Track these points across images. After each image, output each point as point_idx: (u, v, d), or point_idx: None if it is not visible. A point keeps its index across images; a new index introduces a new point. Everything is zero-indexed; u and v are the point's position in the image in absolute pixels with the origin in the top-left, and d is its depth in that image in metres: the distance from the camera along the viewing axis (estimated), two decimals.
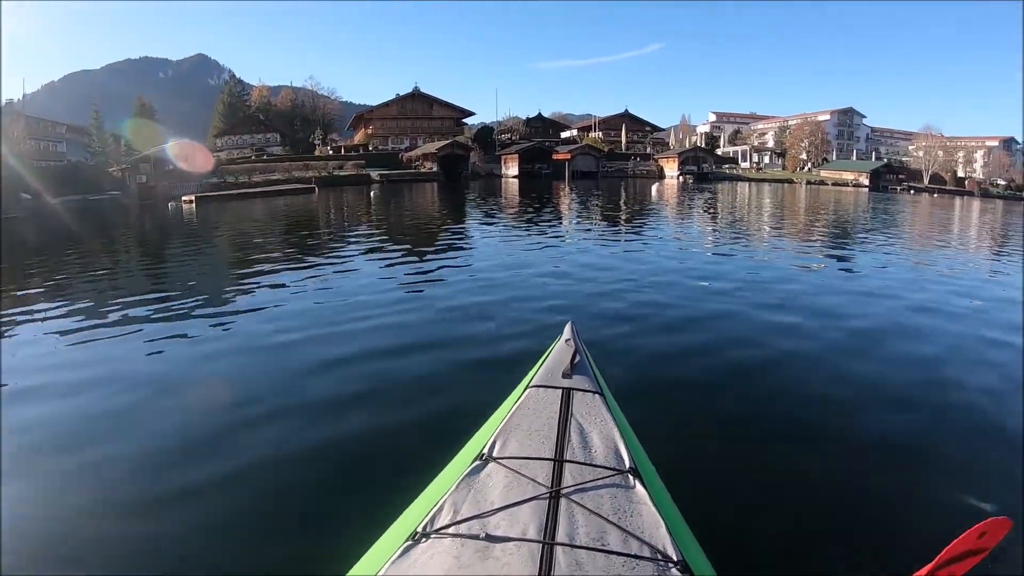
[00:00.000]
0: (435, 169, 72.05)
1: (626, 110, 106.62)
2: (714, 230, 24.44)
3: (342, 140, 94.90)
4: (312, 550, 3.89)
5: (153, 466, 4.94)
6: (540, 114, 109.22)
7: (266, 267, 13.90)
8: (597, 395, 2.98)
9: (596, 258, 15.81)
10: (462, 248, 17.22)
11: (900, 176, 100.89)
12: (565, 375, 3.11)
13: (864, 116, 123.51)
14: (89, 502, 4.45)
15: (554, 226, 23.73)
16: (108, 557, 3.86)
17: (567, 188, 57.34)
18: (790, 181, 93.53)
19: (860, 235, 24.27)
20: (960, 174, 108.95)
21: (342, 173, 64.87)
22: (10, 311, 10.22)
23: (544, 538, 2.03)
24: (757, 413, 6.20)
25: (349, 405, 6.09)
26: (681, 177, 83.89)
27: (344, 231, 22.34)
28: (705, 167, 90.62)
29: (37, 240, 23.27)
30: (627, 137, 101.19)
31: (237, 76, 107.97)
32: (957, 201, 73.53)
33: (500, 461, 2.48)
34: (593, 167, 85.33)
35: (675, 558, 2.00)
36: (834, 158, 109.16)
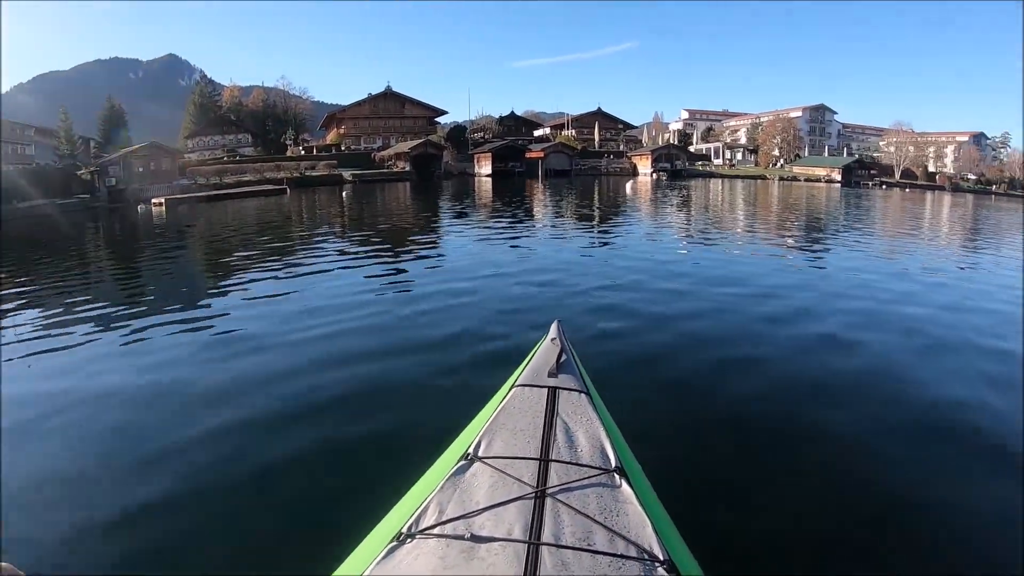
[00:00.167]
0: (408, 169, 71.80)
1: (599, 108, 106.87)
2: (690, 228, 24.71)
3: (314, 140, 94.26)
4: (297, 551, 3.90)
5: (140, 471, 4.94)
6: (513, 113, 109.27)
7: (237, 275, 13.90)
8: (583, 394, 2.97)
9: (572, 256, 16.07)
10: (437, 249, 17.29)
11: (872, 172, 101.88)
12: (551, 374, 3.10)
13: (835, 112, 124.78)
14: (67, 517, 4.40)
15: (528, 225, 23.79)
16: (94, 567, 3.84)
17: (541, 187, 57.39)
18: (763, 177, 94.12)
19: (835, 231, 24.73)
20: (931, 169, 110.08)
21: (314, 173, 64.43)
22: None
23: (530, 538, 2.02)
24: (742, 412, 6.25)
25: (331, 407, 6.09)
26: (655, 174, 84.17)
27: (317, 233, 22.21)
28: (678, 164, 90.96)
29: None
30: (600, 135, 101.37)
31: (208, 76, 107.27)
32: (928, 196, 74.67)
33: (485, 461, 2.47)
34: (566, 165, 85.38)
35: (661, 557, 2.00)
36: (806, 154, 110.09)
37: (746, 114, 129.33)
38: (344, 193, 45.85)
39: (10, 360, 7.93)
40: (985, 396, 6.79)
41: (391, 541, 2.10)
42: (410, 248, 17.33)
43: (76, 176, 51.96)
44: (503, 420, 2.75)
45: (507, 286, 11.72)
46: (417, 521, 2.16)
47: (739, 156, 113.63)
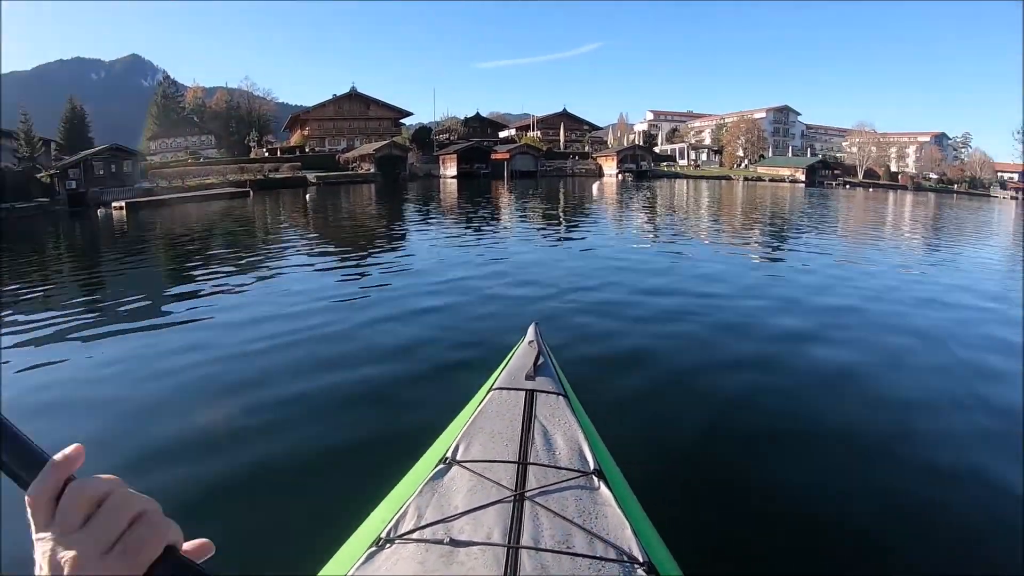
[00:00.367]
0: (373, 170, 71.54)
1: (564, 109, 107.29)
2: (659, 229, 24.78)
3: (278, 142, 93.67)
4: (275, 555, 3.88)
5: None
6: (478, 114, 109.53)
7: (197, 282, 13.49)
8: (561, 397, 2.96)
9: (541, 258, 16.10)
10: (404, 252, 16.95)
11: (835, 171, 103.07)
12: (528, 377, 3.09)
13: (799, 114, 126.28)
14: None
15: (495, 228, 23.66)
16: None
17: (506, 188, 57.27)
18: (728, 178, 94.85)
19: (801, 231, 25.09)
20: (893, 169, 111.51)
21: (278, 176, 64.03)
22: None
23: (509, 542, 2.01)
24: (719, 413, 6.31)
25: (305, 412, 6.03)
26: (620, 175, 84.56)
27: (280, 238, 21.77)
28: (644, 165, 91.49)
29: None
30: (566, 136, 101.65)
31: (171, 77, 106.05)
32: (891, 195, 75.69)
33: (464, 465, 2.46)
34: (532, 166, 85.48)
35: (641, 559, 2.00)
36: (770, 154, 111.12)
37: (711, 115, 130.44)
38: (308, 196, 45.45)
39: None
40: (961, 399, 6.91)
41: (370, 546, 2.09)
42: (376, 252, 17.03)
43: (36, 179, 51.19)
44: (481, 423, 2.74)
45: (478, 289, 11.67)
46: (396, 526, 2.15)
47: (704, 157, 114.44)
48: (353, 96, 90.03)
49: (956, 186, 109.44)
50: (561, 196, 45.84)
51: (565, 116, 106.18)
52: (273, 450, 5.27)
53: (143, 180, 53.47)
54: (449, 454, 2.54)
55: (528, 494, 2.25)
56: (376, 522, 2.36)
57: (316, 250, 17.36)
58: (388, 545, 2.08)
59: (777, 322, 9.80)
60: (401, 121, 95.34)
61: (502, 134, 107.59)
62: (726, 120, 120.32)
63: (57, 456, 0.71)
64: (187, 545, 0.72)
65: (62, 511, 0.68)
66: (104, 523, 0.66)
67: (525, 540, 2.02)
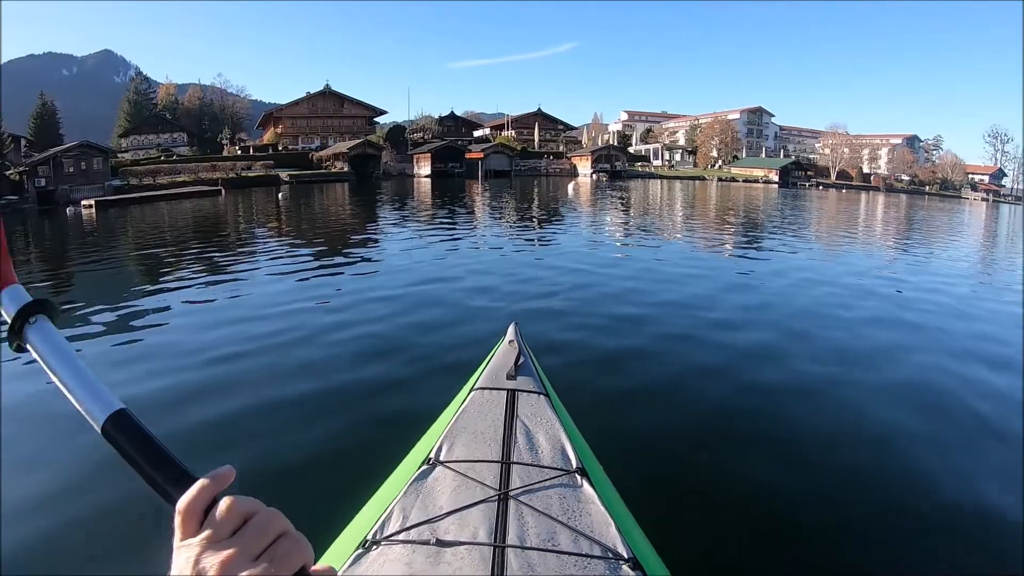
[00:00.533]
0: (346, 169, 71.02)
1: (539, 108, 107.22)
2: (636, 230, 24.80)
3: (251, 140, 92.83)
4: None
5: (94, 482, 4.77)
6: (453, 113, 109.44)
7: (167, 283, 13.01)
8: (542, 396, 2.99)
9: (518, 258, 15.88)
10: (379, 253, 16.52)
11: (809, 173, 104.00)
12: (509, 376, 3.11)
13: (773, 115, 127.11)
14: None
15: (470, 228, 23.43)
16: None
17: (480, 187, 56.99)
18: (701, 178, 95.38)
19: (776, 232, 25.27)
20: (866, 170, 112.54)
21: (250, 174, 63.54)
22: None
23: (495, 541, 2.03)
24: (698, 410, 6.38)
25: (285, 414, 6.00)
26: (595, 175, 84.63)
27: (252, 238, 21.24)
28: (618, 165, 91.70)
29: None
30: (540, 135, 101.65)
31: (144, 73, 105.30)
32: (863, 196, 76.34)
33: (447, 465, 2.47)
34: (506, 166, 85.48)
35: (626, 555, 2.02)
36: (744, 155, 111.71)
37: (685, 116, 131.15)
38: (280, 194, 44.90)
39: None
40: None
41: (357, 548, 2.09)
42: (350, 253, 16.63)
43: (4, 176, 50.49)
44: (463, 424, 2.75)
45: (455, 290, 11.61)
46: (382, 527, 2.15)
47: (678, 157, 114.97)
48: (327, 94, 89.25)
49: (928, 188, 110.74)
50: (536, 196, 45.50)
51: (540, 116, 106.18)
52: (250, 454, 5.23)
53: (114, 178, 52.83)
54: (433, 454, 2.55)
55: (512, 493, 2.28)
56: (361, 524, 2.37)
57: (288, 251, 16.97)
58: (375, 547, 2.08)
59: (752, 321, 10.01)
60: (375, 120, 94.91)
61: (476, 133, 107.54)
62: (700, 121, 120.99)
63: (212, 473, 0.81)
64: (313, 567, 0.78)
65: (215, 521, 0.75)
66: (253, 535, 0.74)
67: (511, 539, 2.04)
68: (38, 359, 1.09)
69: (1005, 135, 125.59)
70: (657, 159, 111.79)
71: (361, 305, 10.38)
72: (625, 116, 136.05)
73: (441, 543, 2.02)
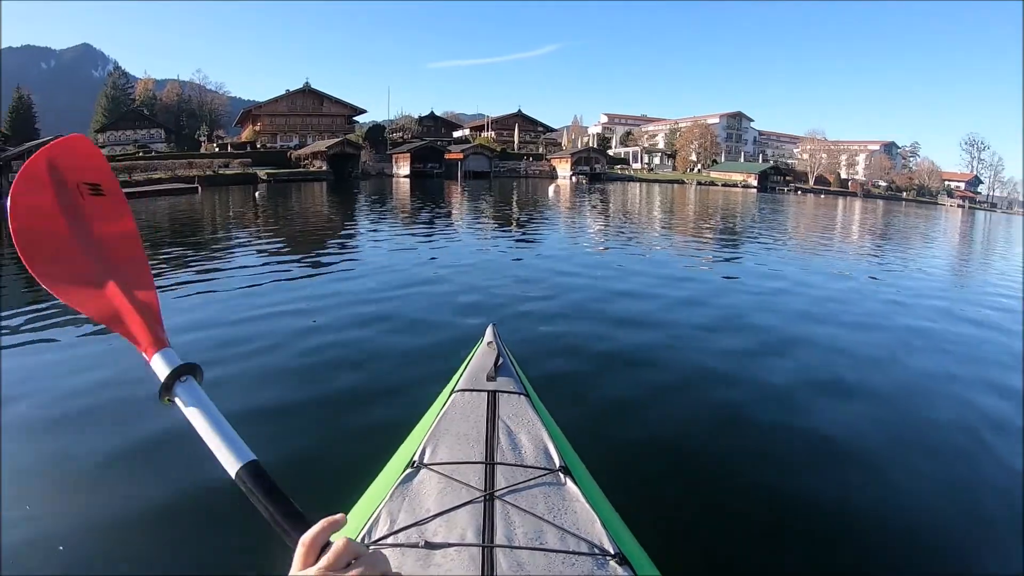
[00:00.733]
0: (325, 168, 70.53)
1: (519, 110, 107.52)
2: (612, 233, 24.68)
3: (229, 137, 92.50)
4: (247, 564, 3.81)
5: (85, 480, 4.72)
6: (433, 113, 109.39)
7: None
8: (523, 396, 2.98)
9: (492, 261, 15.48)
10: (356, 254, 16.00)
11: (787, 178, 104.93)
12: (489, 378, 3.10)
13: (752, 120, 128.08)
14: None
15: (447, 230, 23.20)
16: None
17: (459, 188, 56.77)
18: (681, 182, 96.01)
19: (755, 236, 25.38)
20: (843, 176, 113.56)
21: (228, 172, 63.13)
22: None
23: (483, 541, 2.03)
24: (676, 407, 6.42)
25: (265, 421, 5.82)
26: (574, 177, 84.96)
27: (229, 237, 20.77)
28: (598, 168, 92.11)
29: None
30: (520, 137, 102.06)
31: (122, 68, 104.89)
32: (841, 201, 77.03)
33: (431, 467, 2.46)
34: (485, 167, 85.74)
35: (612, 551, 2.03)
36: (723, 160, 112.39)
37: (664, 119, 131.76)
38: (257, 193, 44.28)
39: None
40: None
41: None
42: (327, 254, 16.32)
43: None
44: (445, 426, 2.75)
45: (432, 292, 11.49)
46: (369, 532, 2.14)
47: (657, 160, 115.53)
48: (307, 92, 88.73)
49: (905, 194, 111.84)
50: (515, 198, 45.17)
51: (520, 117, 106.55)
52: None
53: None
54: (416, 457, 2.54)
55: (498, 494, 2.28)
56: (348, 529, 2.27)
57: (264, 252, 16.58)
58: None
59: (728, 321, 10.11)
60: (355, 119, 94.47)
61: (456, 134, 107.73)
62: (680, 125, 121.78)
63: (330, 518, 1.04)
64: None
65: (333, 556, 0.96)
66: (364, 569, 0.93)
67: (499, 539, 2.05)
68: (184, 411, 1.33)
69: (981, 143, 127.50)
70: (637, 162, 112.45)
71: (337, 308, 10.22)
72: (605, 119, 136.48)
73: (430, 545, 2.02)
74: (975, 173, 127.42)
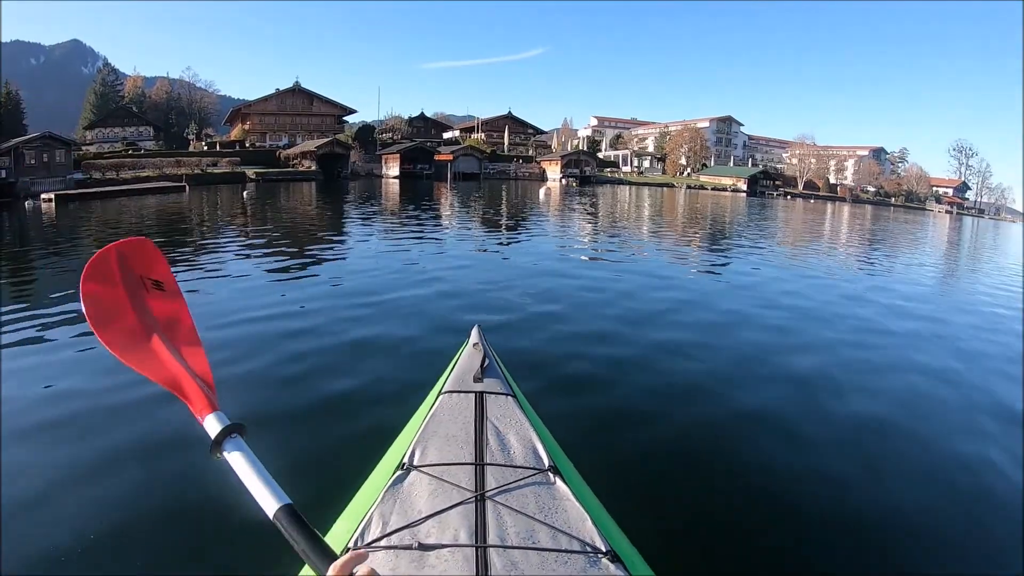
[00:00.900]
0: (314, 168, 70.50)
1: (509, 112, 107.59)
2: (602, 236, 24.78)
3: (218, 136, 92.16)
4: (241, 567, 3.81)
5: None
6: (423, 114, 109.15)
7: None
8: (510, 397, 3.00)
9: (479, 264, 15.54)
10: (342, 257, 15.76)
11: (776, 182, 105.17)
12: (476, 379, 3.11)
13: (742, 124, 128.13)
14: None
15: (435, 232, 23.05)
16: None
17: (449, 190, 56.63)
18: (671, 185, 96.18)
19: (745, 240, 25.62)
20: (832, 181, 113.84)
21: (216, 170, 63.02)
22: None
23: (476, 541, 2.04)
24: (661, 404, 6.53)
25: (254, 423, 5.71)
26: (564, 180, 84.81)
27: (215, 240, 20.52)
28: (588, 170, 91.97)
29: None
30: (510, 139, 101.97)
31: (112, 64, 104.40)
32: (829, 206, 77.30)
33: (421, 469, 2.47)
34: (475, 168, 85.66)
35: (604, 549, 2.06)
36: (713, 163, 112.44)
37: (654, 123, 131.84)
38: (245, 192, 44.03)
39: None
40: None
41: (339, 557, 2.10)
42: (314, 254, 16.62)
43: None
44: (434, 428, 2.76)
45: (418, 294, 11.48)
46: (362, 535, 2.15)
47: (647, 164, 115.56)
48: (297, 91, 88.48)
49: (893, 199, 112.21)
50: (505, 200, 45.09)
51: (510, 119, 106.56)
52: (216, 467, 4.98)
53: (77, 171, 52.12)
54: (406, 460, 2.55)
55: (489, 494, 2.29)
56: (340, 532, 2.37)
57: (250, 253, 16.38)
58: None
59: (717, 322, 10.37)
60: (344, 119, 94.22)
61: (446, 135, 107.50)
62: (670, 128, 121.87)
63: (355, 551, 1.29)
64: None
65: None
66: None
67: (491, 539, 2.06)
68: (231, 463, 1.61)
69: (969, 149, 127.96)
70: (627, 165, 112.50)
71: (321, 311, 10.19)
72: (595, 121, 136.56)
73: (423, 547, 2.03)
74: (963, 179, 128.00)
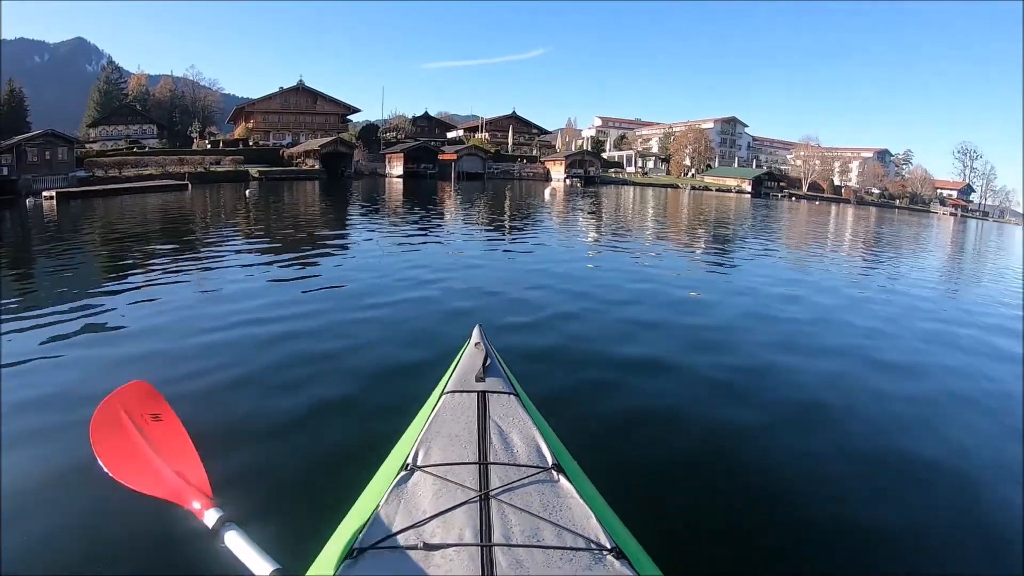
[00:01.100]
0: (317, 167, 70.22)
1: (513, 111, 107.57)
2: (607, 235, 24.86)
3: (221, 134, 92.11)
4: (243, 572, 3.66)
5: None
6: (427, 113, 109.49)
7: (123, 283, 12.05)
8: (512, 396, 3.02)
9: (482, 264, 15.59)
10: (344, 257, 15.73)
11: (781, 184, 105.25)
12: (478, 378, 3.13)
13: (746, 125, 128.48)
14: None
15: (438, 232, 23.07)
16: None
17: (452, 190, 56.66)
18: (675, 186, 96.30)
19: (744, 239, 26.27)
20: (837, 183, 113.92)
21: (219, 169, 62.96)
22: None
23: (481, 541, 2.06)
24: (663, 402, 6.56)
25: (255, 427, 5.72)
26: (569, 180, 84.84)
27: (217, 237, 20.08)
28: (592, 171, 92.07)
29: None
30: (514, 139, 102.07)
31: (115, 63, 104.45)
32: (834, 208, 77.66)
33: (425, 470, 2.48)
34: (479, 168, 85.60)
35: (608, 546, 2.08)
36: (717, 165, 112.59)
37: (659, 123, 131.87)
38: (247, 191, 43.99)
39: None
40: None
41: (344, 558, 2.08)
42: (316, 255, 15.79)
43: None
44: (437, 428, 2.77)
45: (420, 294, 11.39)
46: (367, 536, 2.14)
47: (651, 164, 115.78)
48: (300, 90, 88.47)
49: (898, 201, 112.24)
50: (508, 200, 44.94)
51: (514, 119, 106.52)
52: (222, 468, 4.91)
53: (79, 169, 52.01)
54: (410, 460, 2.56)
55: (493, 493, 2.32)
56: (345, 533, 2.35)
57: (251, 253, 16.26)
58: (362, 555, 2.08)
59: (721, 316, 10.62)
60: (348, 118, 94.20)
61: (450, 135, 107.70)
62: (674, 129, 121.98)
63: None
64: None
65: None
66: None
67: (496, 538, 2.08)
68: (227, 546, 1.91)
69: (974, 152, 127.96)
70: (631, 166, 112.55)
71: (325, 311, 10.06)
72: (599, 122, 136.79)
73: (429, 547, 2.05)
74: (967, 181, 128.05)
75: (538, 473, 2.45)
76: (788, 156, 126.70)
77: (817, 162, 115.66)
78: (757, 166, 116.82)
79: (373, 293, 11.37)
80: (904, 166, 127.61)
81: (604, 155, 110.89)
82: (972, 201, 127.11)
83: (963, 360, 9.10)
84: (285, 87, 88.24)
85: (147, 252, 16.40)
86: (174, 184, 51.01)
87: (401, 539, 2.10)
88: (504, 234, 23.14)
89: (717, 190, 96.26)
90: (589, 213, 36.28)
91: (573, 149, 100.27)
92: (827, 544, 4.29)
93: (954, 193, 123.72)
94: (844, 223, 47.46)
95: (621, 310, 10.65)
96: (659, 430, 5.89)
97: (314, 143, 74.97)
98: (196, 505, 2.05)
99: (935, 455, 5.69)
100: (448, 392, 3.05)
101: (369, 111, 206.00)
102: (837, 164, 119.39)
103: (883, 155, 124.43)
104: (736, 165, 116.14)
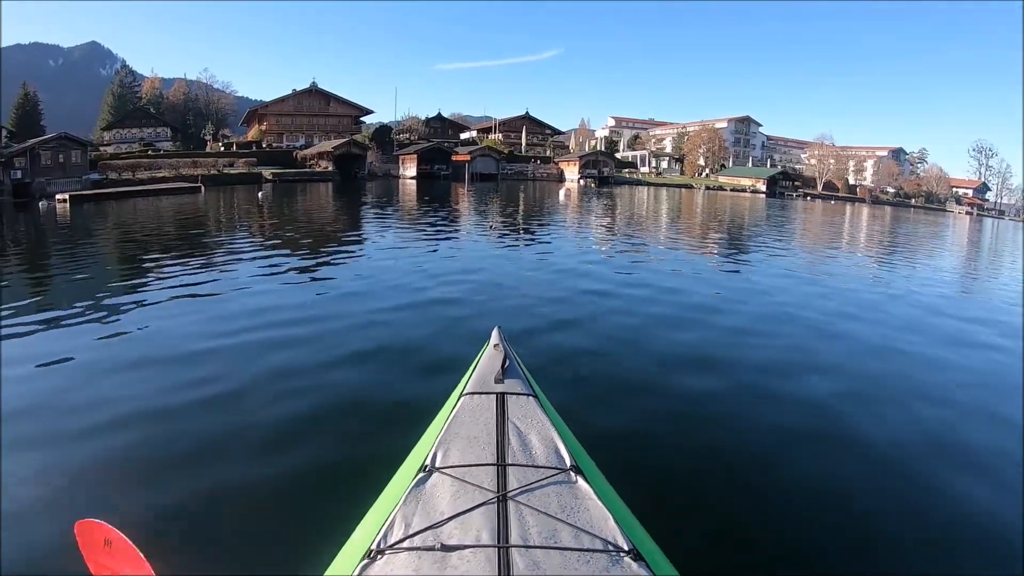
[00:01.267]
0: (330, 168, 70.31)
1: (527, 112, 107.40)
2: (621, 236, 24.96)
3: (235, 136, 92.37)
4: (260, 571, 3.77)
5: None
6: (440, 114, 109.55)
7: (137, 288, 12.11)
8: (531, 397, 3.03)
9: (498, 265, 15.68)
10: (360, 259, 16.09)
11: (796, 183, 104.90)
12: (497, 380, 3.13)
13: (760, 125, 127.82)
14: None
15: (453, 233, 23.17)
16: None
17: (466, 191, 56.73)
18: (689, 186, 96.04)
19: (760, 239, 26.56)
20: (851, 182, 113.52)
21: (232, 171, 63.06)
22: None
23: (498, 542, 2.05)
24: (683, 404, 6.65)
25: (276, 429, 5.75)
26: (583, 181, 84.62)
27: (230, 240, 19.86)
28: (606, 171, 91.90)
29: None
30: (527, 139, 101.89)
31: (129, 66, 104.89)
32: (849, 208, 77.75)
33: (444, 471, 2.48)
34: (493, 169, 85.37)
35: (626, 547, 2.07)
36: (731, 164, 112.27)
37: (672, 123, 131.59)
38: (260, 193, 43.95)
39: None
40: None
41: (362, 559, 2.08)
42: (331, 258, 16.59)
43: None
44: (456, 429, 2.77)
45: (438, 296, 11.44)
46: (385, 536, 2.14)
47: (665, 164, 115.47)
48: (313, 92, 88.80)
49: (913, 200, 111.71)
50: (522, 202, 45.08)
51: (527, 119, 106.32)
52: (242, 471, 5.02)
53: (93, 171, 52.09)
54: (428, 461, 2.56)
55: (511, 494, 2.30)
56: (364, 534, 2.36)
57: (264, 255, 16.12)
58: (380, 556, 2.08)
59: (729, 319, 10.61)
60: (361, 119, 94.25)
61: (463, 136, 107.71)
62: (688, 129, 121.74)
63: None
64: None
65: None
66: None
67: (514, 539, 2.07)
68: None
69: (989, 150, 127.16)
70: (644, 166, 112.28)
71: (342, 315, 10.02)
72: (612, 122, 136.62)
73: (446, 548, 2.04)
74: (983, 180, 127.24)
75: (556, 474, 2.44)
76: (802, 155, 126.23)
77: (832, 161, 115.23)
78: (771, 165, 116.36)
79: (388, 295, 11.42)
80: (919, 165, 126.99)
81: (618, 155, 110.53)
82: (988, 200, 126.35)
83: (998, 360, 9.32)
84: (298, 89, 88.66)
85: (158, 256, 16.33)
86: (187, 187, 51.19)
87: (419, 540, 2.09)
88: (519, 236, 23.13)
89: (732, 190, 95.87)
90: (605, 216, 36.14)
91: (587, 149, 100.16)
92: (852, 550, 4.28)
93: (970, 192, 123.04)
94: (860, 223, 47.47)
95: (641, 310, 10.69)
96: (679, 432, 5.93)
97: (327, 145, 75.11)
98: None
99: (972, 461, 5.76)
100: (467, 393, 3.05)
101: (382, 113, 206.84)
102: (852, 163, 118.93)
103: (898, 154, 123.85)
104: (750, 164, 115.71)
